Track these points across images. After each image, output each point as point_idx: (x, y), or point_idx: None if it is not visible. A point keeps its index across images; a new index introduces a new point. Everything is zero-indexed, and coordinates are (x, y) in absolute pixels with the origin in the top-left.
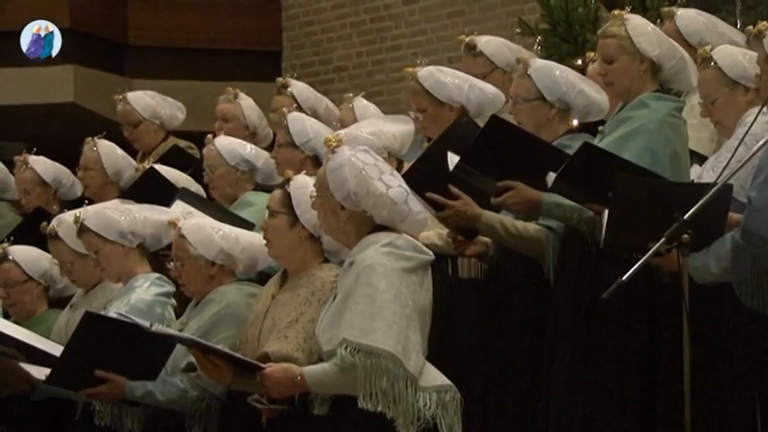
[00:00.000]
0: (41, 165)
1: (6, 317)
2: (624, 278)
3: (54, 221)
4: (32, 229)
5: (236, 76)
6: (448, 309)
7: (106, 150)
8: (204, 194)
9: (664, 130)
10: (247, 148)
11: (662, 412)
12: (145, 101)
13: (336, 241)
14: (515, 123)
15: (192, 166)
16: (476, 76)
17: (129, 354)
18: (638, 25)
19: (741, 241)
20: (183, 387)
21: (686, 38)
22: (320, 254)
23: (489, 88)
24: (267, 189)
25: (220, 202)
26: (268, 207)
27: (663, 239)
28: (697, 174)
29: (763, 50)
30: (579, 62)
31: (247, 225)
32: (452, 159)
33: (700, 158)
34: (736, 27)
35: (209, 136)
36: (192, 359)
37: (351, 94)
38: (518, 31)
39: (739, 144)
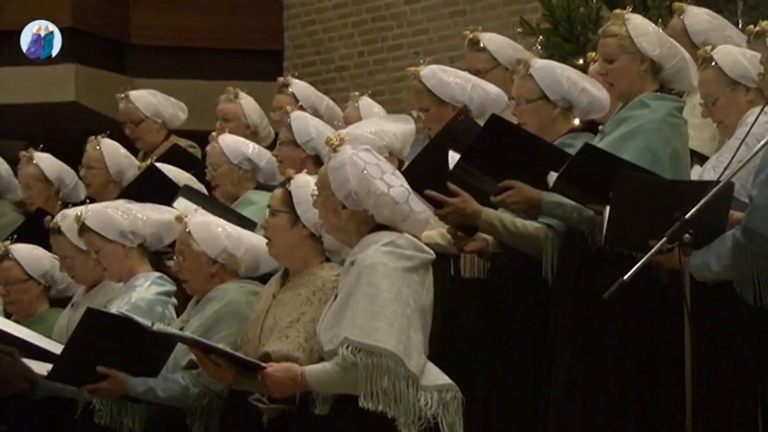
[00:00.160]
0: (46, 161)
1: (7, 316)
2: (626, 278)
3: (58, 216)
4: (34, 229)
5: (237, 75)
6: (450, 308)
7: (109, 149)
8: (206, 193)
9: (663, 130)
10: (251, 147)
11: (662, 412)
12: (147, 99)
13: (337, 240)
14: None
15: (194, 166)
16: (477, 72)
17: (130, 350)
18: (638, 25)
19: (742, 239)
20: (185, 384)
21: (691, 36)
22: (321, 253)
23: (492, 88)
24: (269, 188)
25: (222, 200)
26: (269, 206)
27: (664, 239)
28: (698, 174)
29: (766, 50)
30: (581, 62)
31: (249, 223)
32: (453, 158)
33: (700, 159)
34: (737, 27)
35: (214, 133)
36: (194, 356)
37: (357, 93)
38: (519, 30)
39: (741, 144)
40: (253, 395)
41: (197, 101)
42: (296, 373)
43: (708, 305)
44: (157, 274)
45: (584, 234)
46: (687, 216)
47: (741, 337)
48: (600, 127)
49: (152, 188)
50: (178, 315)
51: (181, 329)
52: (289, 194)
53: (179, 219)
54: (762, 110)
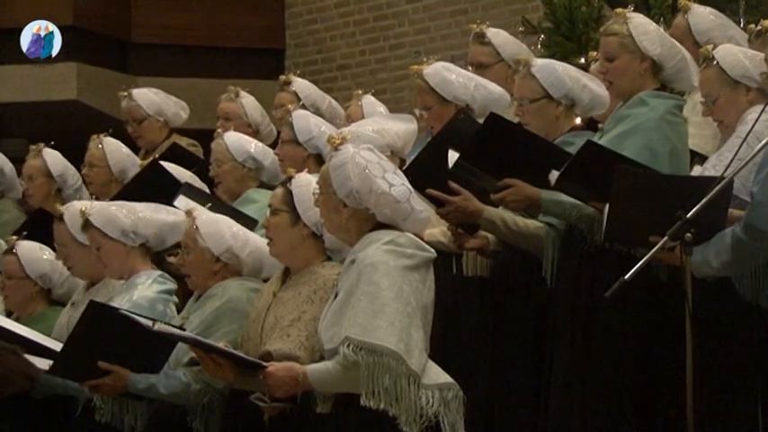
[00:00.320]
0: (52, 157)
1: (8, 314)
2: (627, 276)
3: (67, 205)
4: (35, 228)
5: (239, 73)
6: (452, 306)
7: (111, 148)
8: (208, 191)
9: (662, 128)
10: (256, 146)
11: (661, 409)
12: (150, 97)
13: (338, 239)
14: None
15: (194, 164)
16: (480, 65)
17: (132, 347)
18: (639, 24)
19: (743, 236)
20: (186, 381)
21: (695, 35)
22: (322, 252)
23: (495, 88)
24: (270, 186)
25: (225, 197)
26: (270, 205)
27: (666, 237)
28: (699, 173)
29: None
30: (582, 61)
31: (250, 222)
32: (453, 156)
33: (701, 159)
34: (739, 26)
35: (219, 130)
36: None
37: (360, 91)
38: (521, 29)
39: (742, 143)
40: (254, 394)
41: (198, 99)
42: (297, 373)
43: (708, 304)
44: (159, 272)
45: (584, 232)
46: (689, 215)
47: (741, 337)
48: (599, 125)
49: (153, 185)
50: (179, 312)
51: (181, 326)
52: (290, 193)
53: (189, 213)
54: (763, 109)
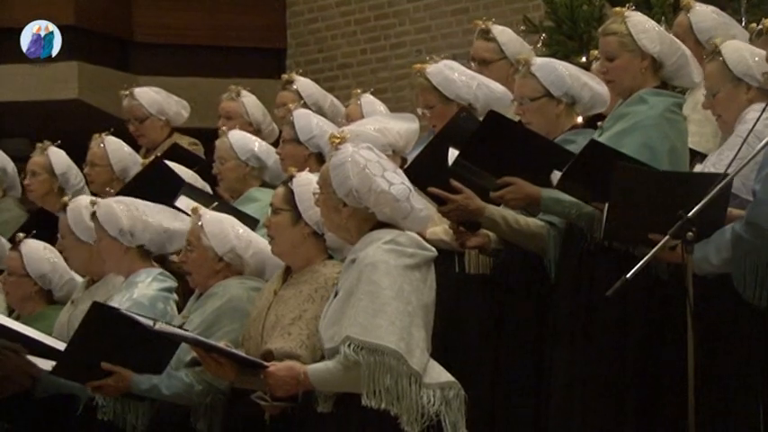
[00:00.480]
0: (57, 155)
1: (10, 312)
2: (629, 275)
3: (72, 199)
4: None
5: (240, 73)
6: (454, 305)
7: (113, 147)
8: (210, 191)
9: (662, 126)
10: (259, 145)
11: (661, 408)
12: (151, 96)
13: (339, 238)
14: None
15: (195, 163)
16: (482, 61)
17: (134, 347)
18: (638, 22)
19: (744, 234)
20: (189, 381)
21: (696, 33)
22: (323, 251)
23: (497, 87)
24: (272, 186)
25: (226, 195)
26: (271, 204)
27: (667, 237)
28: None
29: None
30: (584, 59)
31: (251, 221)
32: (453, 155)
33: (702, 157)
34: (741, 24)
35: (224, 128)
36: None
37: (359, 90)
38: (522, 28)
39: (743, 143)
40: (255, 393)
41: (199, 99)
42: (298, 372)
43: (709, 302)
44: (158, 270)
45: (584, 230)
46: (690, 214)
47: (743, 336)
48: (599, 123)
49: (155, 184)
50: (179, 310)
51: (181, 325)
52: (291, 192)
53: (195, 211)
54: (764, 109)
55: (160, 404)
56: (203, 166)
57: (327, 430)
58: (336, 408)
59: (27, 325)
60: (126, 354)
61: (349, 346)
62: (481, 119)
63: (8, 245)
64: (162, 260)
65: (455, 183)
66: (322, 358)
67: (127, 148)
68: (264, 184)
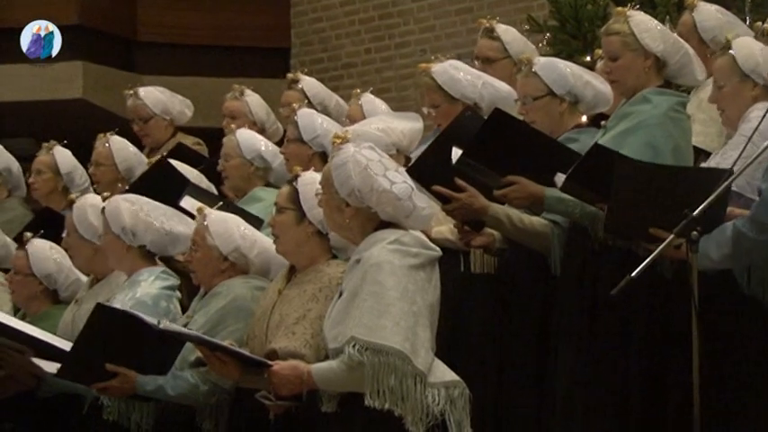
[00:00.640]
0: (62, 155)
1: (16, 311)
2: (634, 274)
3: (80, 196)
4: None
5: (244, 72)
6: (459, 304)
7: (118, 146)
8: (215, 191)
9: (665, 125)
10: (266, 146)
11: (666, 407)
12: (156, 96)
13: (342, 238)
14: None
15: (200, 163)
16: (486, 59)
17: (139, 348)
18: (641, 21)
19: (750, 232)
20: (194, 382)
21: (700, 32)
22: (328, 250)
23: (502, 86)
24: (277, 186)
25: (231, 194)
26: (276, 203)
27: (672, 236)
28: None
29: None
30: (588, 59)
31: (256, 221)
32: (456, 154)
33: (706, 156)
34: (745, 23)
35: (233, 126)
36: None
37: (358, 90)
38: (526, 27)
39: (747, 142)
40: (259, 392)
41: (203, 98)
42: (302, 371)
43: (713, 302)
44: (161, 268)
45: (587, 230)
46: (695, 213)
47: (749, 335)
48: (602, 122)
49: (160, 184)
50: (183, 308)
51: (186, 325)
52: (295, 191)
53: (200, 210)
54: None
55: (165, 404)
56: (208, 166)
57: (331, 430)
58: (340, 407)
59: (32, 324)
60: (131, 355)
61: (354, 346)
62: (481, 115)
63: (14, 244)
64: (167, 258)
65: (459, 181)
66: (326, 358)
67: (132, 148)
68: (269, 185)
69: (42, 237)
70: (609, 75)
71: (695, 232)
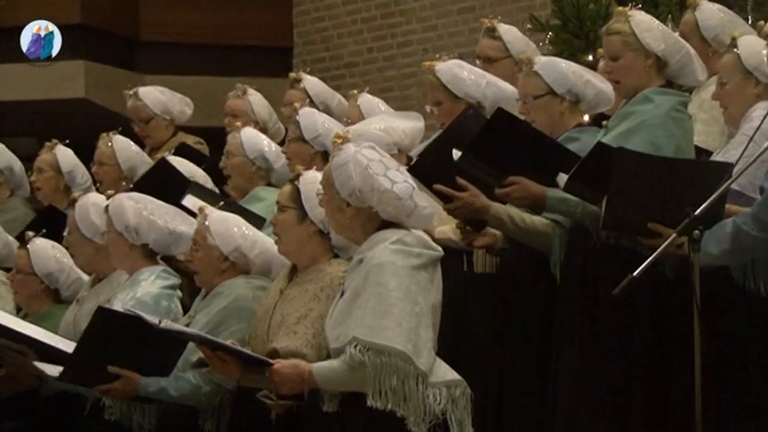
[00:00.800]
0: (64, 153)
1: (18, 311)
2: (635, 273)
3: (82, 195)
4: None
5: (246, 71)
6: (462, 303)
7: (121, 146)
8: (217, 190)
9: (667, 125)
10: (269, 146)
11: (669, 406)
12: (156, 96)
13: (344, 238)
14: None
15: (202, 162)
16: (487, 59)
17: (141, 350)
18: (642, 21)
19: (753, 230)
20: (196, 383)
21: (702, 31)
22: (329, 249)
23: (506, 86)
24: (279, 187)
25: (233, 192)
26: (277, 202)
27: (674, 235)
28: None
29: None
30: (590, 58)
31: (258, 220)
32: (457, 155)
33: (708, 155)
34: (747, 22)
35: (238, 124)
36: (202, 354)
37: (355, 91)
38: (529, 26)
39: (749, 141)
40: (261, 392)
41: (206, 97)
42: (303, 370)
43: (717, 301)
44: (162, 267)
45: (589, 229)
46: (697, 212)
47: (752, 335)
48: (603, 122)
49: (162, 183)
50: (184, 308)
51: (187, 325)
52: (297, 191)
53: (201, 210)
54: None
55: (167, 404)
56: (210, 164)
57: (333, 430)
58: (342, 407)
59: (34, 324)
60: (133, 357)
61: (355, 346)
62: (483, 114)
63: (16, 243)
64: (168, 257)
65: (461, 180)
66: (328, 357)
67: (135, 147)
68: (270, 185)
69: (45, 235)
70: (610, 74)
71: (697, 231)
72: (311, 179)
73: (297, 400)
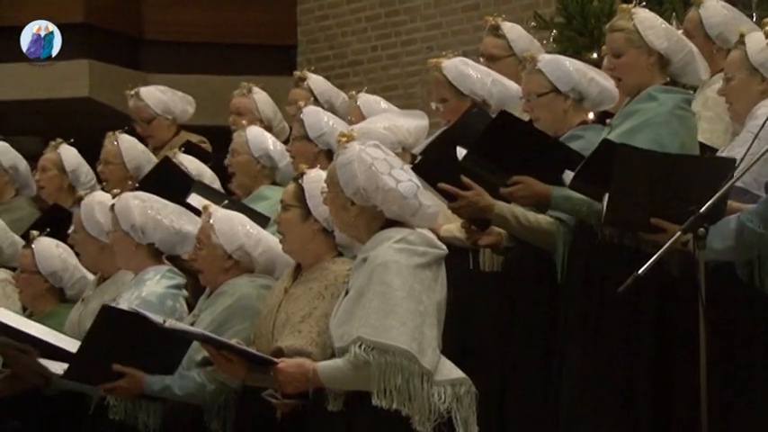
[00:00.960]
0: (67, 152)
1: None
2: (640, 271)
3: (87, 193)
4: (49, 224)
5: (251, 70)
6: (468, 302)
7: (127, 145)
8: (221, 188)
9: (671, 123)
10: (274, 145)
11: (673, 404)
12: (157, 96)
13: (348, 237)
14: (530, 120)
15: (207, 161)
16: (491, 57)
17: (146, 348)
18: (645, 18)
19: (759, 227)
20: (201, 381)
21: (706, 29)
22: (333, 248)
23: (511, 84)
24: (284, 185)
25: (238, 191)
26: (281, 201)
27: (679, 233)
28: None
29: None
30: (594, 56)
31: (262, 219)
32: (461, 153)
33: (712, 152)
34: (752, 20)
35: (244, 122)
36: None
37: (354, 92)
38: (533, 24)
39: (754, 139)
40: (266, 391)
41: (210, 96)
42: (308, 369)
43: (722, 299)
44: (167, 267)
45: (594, 228)
46: (702, 210)
47: (757, 333)
48: (607, 120)
49: (165, 182)
50: (189, 307)
51: (192, 324)
52: (301, 189)
53: (206, 208)
54: None
55: (172, 403)
56: (215, 163)
57: (338, 429)
58: (346, 406)
59: (39, 323)
60: (137, 355)
61: (360, 346)
62: (493, 115)
63: (21, 242)
64: (173, 257)
65: (465, 179)
66: (333, 356)
67: (140, 146)
68: (275, 184)
69: (51, 234)
70: (612, 71)
71: (702, 229)
72: (315, 178)
73: (302, 399)
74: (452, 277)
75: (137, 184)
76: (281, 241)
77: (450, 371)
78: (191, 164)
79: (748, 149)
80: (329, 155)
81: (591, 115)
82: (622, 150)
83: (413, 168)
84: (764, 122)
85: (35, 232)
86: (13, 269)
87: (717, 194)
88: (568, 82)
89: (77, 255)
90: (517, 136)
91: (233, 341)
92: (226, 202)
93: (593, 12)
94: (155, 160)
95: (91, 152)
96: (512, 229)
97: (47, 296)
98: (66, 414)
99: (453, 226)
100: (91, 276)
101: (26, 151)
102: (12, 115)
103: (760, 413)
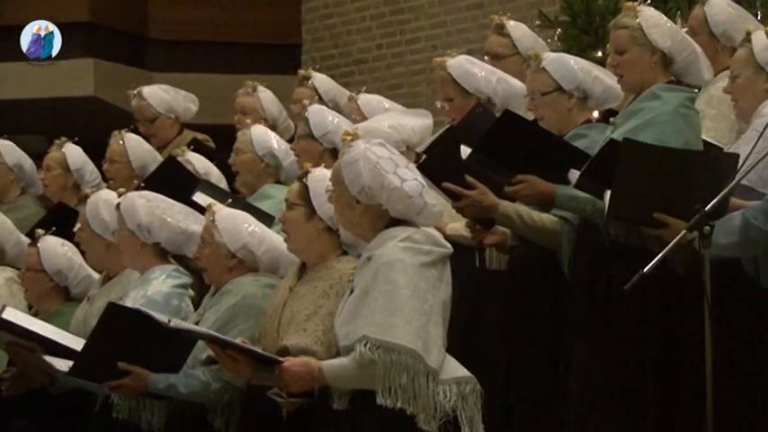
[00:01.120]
0: (72, 151)
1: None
2: (646, 270)
3: (94, 191)
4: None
5: (255, 69)
6: (474, 300)
7: (132, 144)
8: (227, 187)
9: (676, 122)
10: (279, 144)
11: (679, 402)
12: (160, 95)
13: (353, 235)
14: (534, 119)
15: (212, 159)
16: (495, 55)
17: (151, 347)
18: (650, 17)
19: (763, 225)
20: (206, 380)
21: (711, 27)
22: (338, 246)
23: (516, 83)
24: (287, 184)
25: (242, 190)
26: (286, 200)
27: (684, 231)
28: None
29: None
30: (599, 54)
31: (267, 217)
32: (465, 152)
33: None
34: (756, 18)
35: (248, 121)
36: (212, 351)
37: (353, 94)
38: (538, 23)
39: (759, 137)
40: (271, 389)
41: (214, 95)
42: (313, 368)
43: (727, 297)
44: (173, 266)
45: (598, 226)
46: (707, 207)
47: (763, 331)
48: (611, 119)
49: (170, 181)
50: (195, 307)
51: (196, 323)
52: (305, 188)
53: (209, 207)
54: None
55: (177, 402)
56: (220, 161)
57: (343, 427)
58: (352, 405)
59: (44, 322)
60: (142, 353)
61: (365, 345)
62: (498, 114)
63: (27, 242)
64: (180, 256)
65: (469, 178)
66: (338, 354)
67: (146, 145)
68: (279, 183)
69: (56, 232)
70: (615, 69)
71: (707, 227)
72: (320, 176)
73: (307, 398)
74: (458, 276)
75: (142, 183)
76: (285, 240)
77: (455, 369)
78: (199, 162)
79: (753, 147)
80: (334, 153)
81: (596, 114)
82: (625, 144)
83: (417, 167)
84: None
85: (41, 231)
86: (18, 270)
87: (722, 192)
88: (573, 80)
89: (83, 253)
90: (521, 135)
91: (238, 340)
92: (230, 200)
93: (597, 10)
94: (160, 159)
95: (96, 151)
96: (516, 229)
97: (52, 295)
98: (72, 413)
99: (459, 224)
100: (96, 275)
101: (31, 150)
102: (16, 114)
103: (765, 412)
